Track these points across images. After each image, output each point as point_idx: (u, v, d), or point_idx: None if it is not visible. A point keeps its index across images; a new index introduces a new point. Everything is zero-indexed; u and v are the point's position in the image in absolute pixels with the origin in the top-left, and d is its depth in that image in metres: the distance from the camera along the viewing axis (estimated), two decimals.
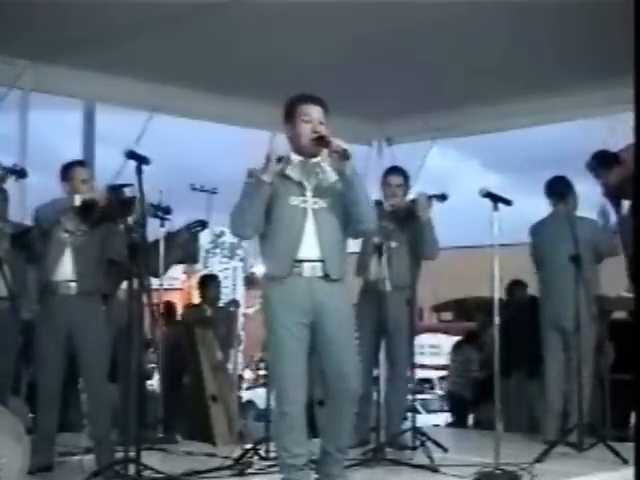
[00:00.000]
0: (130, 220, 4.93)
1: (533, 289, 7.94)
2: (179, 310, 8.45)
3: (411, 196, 6.19)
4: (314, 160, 4.31)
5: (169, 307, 8.07)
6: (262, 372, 18.78)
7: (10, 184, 5.45)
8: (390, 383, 6.11)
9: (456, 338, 10.85)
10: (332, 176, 4.30)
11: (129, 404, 5.04)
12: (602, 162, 6.88)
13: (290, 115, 4.35)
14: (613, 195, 6.90)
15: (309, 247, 4.18)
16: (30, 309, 5.59)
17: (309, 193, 4.26)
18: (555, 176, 6.55)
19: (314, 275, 4.19)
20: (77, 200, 5.06)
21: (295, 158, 4.33)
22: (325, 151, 4.25)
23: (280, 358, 4.16)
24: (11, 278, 5.45)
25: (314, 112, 4.31)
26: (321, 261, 4.19)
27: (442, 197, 6.13)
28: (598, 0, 5.73)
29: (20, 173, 5.41)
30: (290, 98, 4.40)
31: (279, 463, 4.27)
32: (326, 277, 4.20)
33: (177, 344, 7.24)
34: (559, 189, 6.42)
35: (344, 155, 4.17)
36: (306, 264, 4.18)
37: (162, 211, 6.17)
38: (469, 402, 9.69)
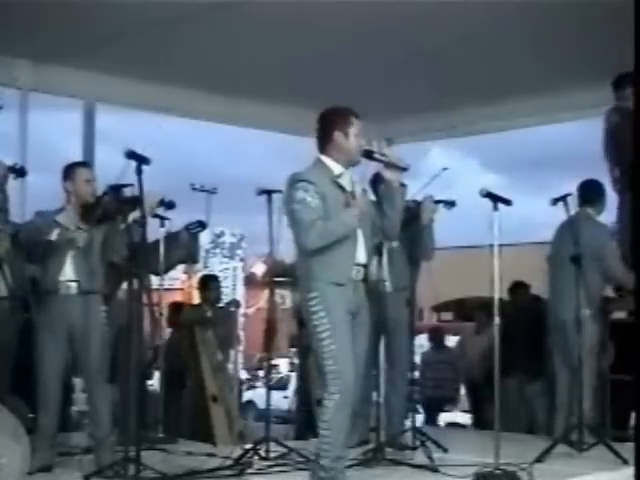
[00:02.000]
0: (130, 219, 4.92)
1: (535, 289, 7.96)
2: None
3: (418, 197, 6.17)
4: (348, 171, 4.48)
5: (177, 308, 8.03)
6: (261, 373, 18.80)
7: (10, 184, 5.43)
8: (390, 383, 6.11)
9: (456, 338, 10.84)
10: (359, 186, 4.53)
11: (129, 404, 5.04)
12: (629, 81, 6.76)
13: (343, 125, 4.43)
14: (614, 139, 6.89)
15: (359, 253, 4.41)
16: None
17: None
18: (588, 179, 6.58)
19: (358, 278, 4.41)
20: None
21: (335, 166, 4.43)
22: (374, 163, 4.46)
23: (344, 355, 4.27)
24: (11, 278, 5.45)
25: (361, 127, 4.47)
26: (364, 266, 4.43)
27: (451, 204, 6.16)
28: (597, 1, 5.74)
29: (19, 172, 5.40)
30: (342, 108, 4.49)
31: (326, 454, 4.26)
32: (364, 280, 4.44)
33: (179, 345, 7.23)
34: (583, 192, 6.44)
35: (404, 168, 4.43)
36: (355, 267, 4.40)
37: (166, 206, 6.15)
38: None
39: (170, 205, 6.20)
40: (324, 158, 4.46)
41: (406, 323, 6.09)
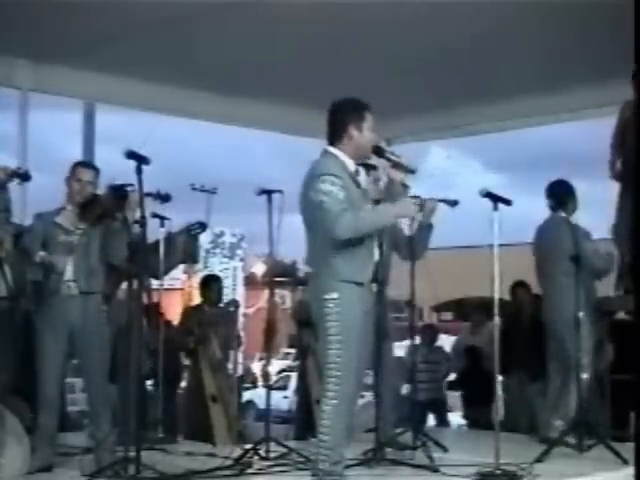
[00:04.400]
0: (129, 216, 4.92)
1: (536, 289, 7.96)
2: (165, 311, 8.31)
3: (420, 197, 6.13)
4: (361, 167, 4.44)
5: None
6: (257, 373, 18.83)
7: (12, 186, 5.42)
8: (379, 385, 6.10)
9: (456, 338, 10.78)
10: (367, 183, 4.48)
11: (129, 404, 5.04)
12: None
13: (357, 119, 4.35)
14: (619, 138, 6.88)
15: (376, 252, 4.39)
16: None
17: (365, 198, 4.39)
18: (556, 180, 6.56)
19: (369, 279, 4.35)
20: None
21: (347, 161, 4.36)
22: (384, 162, 4.42)
23: (352, 359, 4.22)
24: (12, 279, 5.45)
25: (374, 123, 4.40)
26: (376, 264, 4.39)
27: (453, 203, 6.11)
28: (598, 1, 5.74)
29: (24, 176, 5.37)
30: (358, 102, 4.41)
31: (325, 459, 4.24)
32: (373, 281, 4.41)
33: (178, 345, 7.23)
34: (558, 193, 6.43)
35: (412, 170, 4.39)
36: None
37: (161, 199, 6.13)
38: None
39: (166, 198, 6.17)
40: (336, 151, 4.35)
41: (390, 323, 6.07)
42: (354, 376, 4.26)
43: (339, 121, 4.35)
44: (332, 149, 4.37)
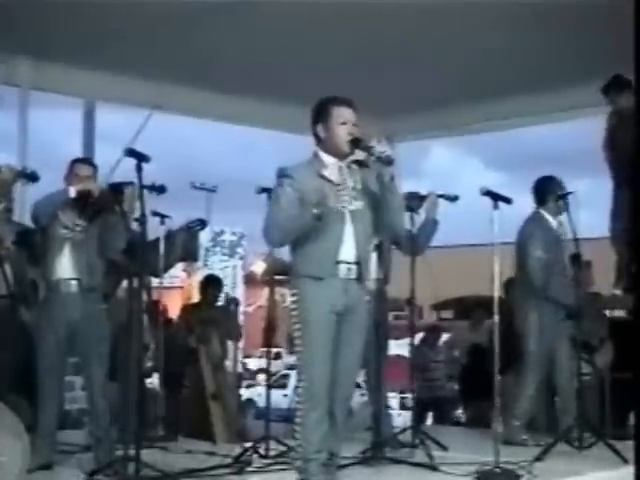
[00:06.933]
0: (127, 208, 4.91)
1: None
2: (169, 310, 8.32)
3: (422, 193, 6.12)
4: (347, 161, 4.36)
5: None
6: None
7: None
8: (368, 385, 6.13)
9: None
10: (367, 178, 4.36)
11: (129, 402, 5.04)
12: (615, 85, 6.78)
13: (324, 116, 4.34)
14: (611, 139, 6.93)
15: (347, 250, 4.28)
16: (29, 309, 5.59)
17: (346, 195, 4.31)
18: (541, 176, 6.44)
19: (349, 277, 4.29)
20: (72, 192, 5.03)
21: (327, 159, 4.35)
22: (363, 154, 4.29)
23: (314, 355, 4.21)
24: (12, 277, 5.45)
25: (349, 115, 4.33)
26: (356, 263, 4.30)
27: (453, 198, 6.11)
28: (598, 2, 5.75)
29: (30, 177, 5.34)
30: (323, 99, 4.39)
31: (300, 457, 4.25)
32: (358, 279, 4.31)
33: (179, 343, 7.23)
34: (540, 190, 6.37)
35: (387, 161, 4.21)
36: (343, 265, 4.27)
37: (157, 190, 6.12)
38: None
39: (161, 189, 6.16)
40: (318, 151, 4.38)
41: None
42: (326, 373, 4.19)
43: (312, 122, 4.39)
44: (316, 149, 4.40)
